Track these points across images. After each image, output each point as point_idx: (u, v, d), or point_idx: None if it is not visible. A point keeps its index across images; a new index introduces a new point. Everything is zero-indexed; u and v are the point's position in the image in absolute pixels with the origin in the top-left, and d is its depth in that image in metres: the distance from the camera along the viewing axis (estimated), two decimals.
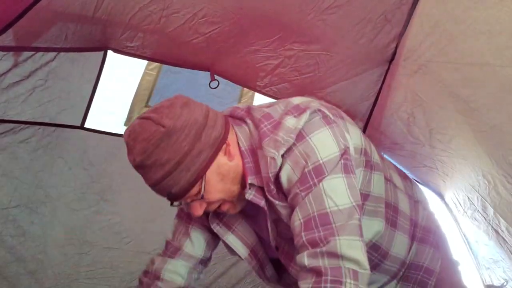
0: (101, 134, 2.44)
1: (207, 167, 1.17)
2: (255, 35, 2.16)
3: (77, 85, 2.25)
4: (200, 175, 1.17)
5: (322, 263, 1.09)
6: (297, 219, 1.15)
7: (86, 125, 2.38)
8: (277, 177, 1.19)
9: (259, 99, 2.59)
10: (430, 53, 1.92)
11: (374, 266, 1.39)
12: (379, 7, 2.04)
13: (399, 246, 1.44)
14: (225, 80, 2.35)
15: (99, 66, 2.23)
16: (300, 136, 1.17)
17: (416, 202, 1.56)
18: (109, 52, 2.18)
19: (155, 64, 2.39)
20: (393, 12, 2.05)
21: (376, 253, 1.39)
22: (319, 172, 1.14)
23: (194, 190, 1.18)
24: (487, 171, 1.75)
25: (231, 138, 1.24)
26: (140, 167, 1.13)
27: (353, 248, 1.10)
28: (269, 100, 2.45)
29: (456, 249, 2.08)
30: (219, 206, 1.27)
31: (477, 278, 1.99)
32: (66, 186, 2.50)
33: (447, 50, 1.85)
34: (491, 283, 1.88)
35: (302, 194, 1.15)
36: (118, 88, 2.39)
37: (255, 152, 1.24)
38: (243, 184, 1.26)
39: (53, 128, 2.31)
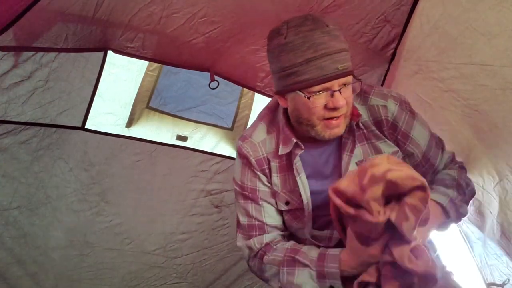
0: (102, 135, 2.44)
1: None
2: (255, 35, 2.16)
3: (78, 86, 2.25)
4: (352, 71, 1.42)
5: None
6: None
7: (87, 126, 2.38)
8: None
9: (259, 99, 2.59)
10: (430, 54, 1.93)
11: None
12: (378, 7, 2.04)
13: None
14: (225, 81, 2.35)
15: (100, 66, 2.24)
16: None
17: None
18: (109, 53, 2.19)
19: (156, 64, 2.39)
20: (393, 12, 2.05)
21: None
22: None
23: (350, 78, 1.40)
24: (492, 167, 1.79)
25: None
26: (328, 34, 1.35)
27: None
28: (269, 100, 2.45)
29: (456, 248, 2.09)
30: (338, 117, 1.43)
31: (478, 277, 1.99)
32: (66, 187, 2.50)
33: (446, 51, 1.86)
34: (492, 281, 1.89)
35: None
36: (118, 88, 2.38)
37: None
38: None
39: (54, 129, 2.31)
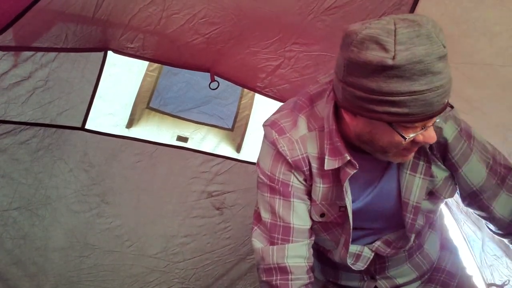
0: (102, 135, 2.44)
1: None
2: (255, 36, 2.16)
3: (78, 86, 2.25)
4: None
5: None
6: None
7: (87, 127, 2.38)
8: None
9: (260, 100, 2.59)
10: None
11: (410, 254, 1.49)
12: (379, 8, 2.03)
13: (431, 244, 1.55)
14: (225, 81, 2.35)
15: (100, 66, 2.24)
16: None
17: (441, 211, 1.70)
18: (110, 53, 2.19)
19: (156, 65, 2.39)
20: (393, 12, 2.05)
21: (416, 241, 1.45)
22: None
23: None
24: None
25: None
26: (444, 58, 1.02)
27: None
28: (269, 101, 2.45)
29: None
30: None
31: (479, 278, 1.98)
32: (66, 188, 2.50)
33: (447, 51, 1.85)
34: (492, 282, 1.88)
35: None
36: (119, 89, 2.39)
37: None
38: None
39: (54, 129, 2.31)
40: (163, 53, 2.20)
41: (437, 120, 1.15)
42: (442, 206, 1.65)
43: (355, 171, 1.24)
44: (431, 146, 1.28)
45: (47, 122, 2.27)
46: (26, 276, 2.60)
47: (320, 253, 1.57)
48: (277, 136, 1.31)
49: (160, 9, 1.98)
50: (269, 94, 2.39)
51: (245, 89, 2.54)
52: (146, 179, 2.64)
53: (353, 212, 1.33)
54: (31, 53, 2.00)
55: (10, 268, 2.54)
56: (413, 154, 1.20)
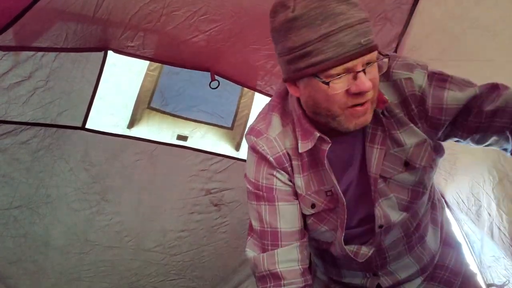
0: (102, 134, 2.44)
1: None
2: (255, 34, 2.16)
3: (78, 86, 2.24)
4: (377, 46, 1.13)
5: None
6: None
7: (87, 126, 2.38)
8: None
9: (259, 99, 2.60)
10: (433, 52, 1.93)
11: (411, 247, 1.48)
12: (379, 6, 2.04)
13: (431, 236, 1.53)
14: (225, 80, 2.35)
15: (100, 67, 2.23)
16: None
17: (441, 205, 1.65)
18: (110, 54, 2.18)
19: (156, 64, 2.39)
20: (394, 11, 2.05)
21: (416, 233, 1.46)
22: None
23: (375, 55, 1.13)
24: (493, 166, 1.78)
25: None
26: (345, 1, 1.08)
27: None
28: (269, 100, 2.46)
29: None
30: (364, 104, 1.16)
31: (479, 278, 1.99)
32: (67, 187, 2.50)
33: (449, 49, 1.86)
34: (492, 282, 1.89)
35: None
36: (119, 89, 2.39)
37: None
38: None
39: (54, 129, 2.30)
40: (163, 51, 2.20)
41: (402, 72, 1.23)
42: (442, 206, 1.66)
43: (329, 144, 1.26)
44: (406, 103, 1.26)
45: (47, 122, 2.26)
46: (27, 274, 2.60)
47: (322, 252, 1.57)
48: (255, 139, 1.34)
49: (160, 7, 1.97)
50: (269, 93, 2.40)
51: (245, 89, 2.55)
52: (145, 177, 2.65)
53: (344, 196, 1.33)
54: (31, 53, 1.99)
55: (11, 266, 2.55)
56: (368, 115, 1.18)
